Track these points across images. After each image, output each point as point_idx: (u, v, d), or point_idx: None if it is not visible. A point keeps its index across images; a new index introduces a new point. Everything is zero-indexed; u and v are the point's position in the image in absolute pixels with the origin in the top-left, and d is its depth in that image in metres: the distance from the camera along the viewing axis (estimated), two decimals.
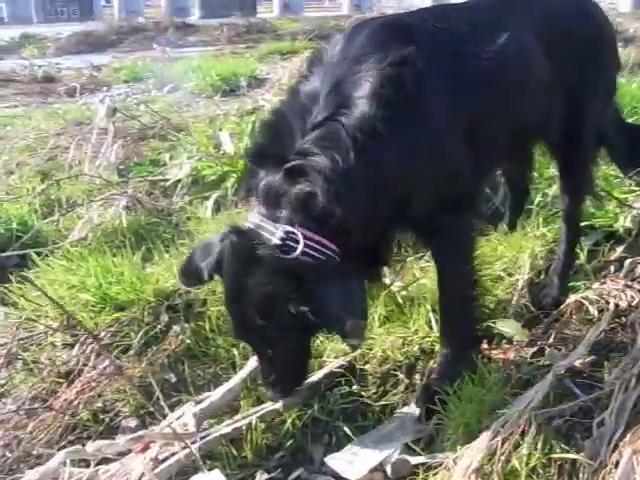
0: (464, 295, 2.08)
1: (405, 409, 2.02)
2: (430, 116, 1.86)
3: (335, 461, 1.89)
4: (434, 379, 2.02)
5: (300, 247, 1.67)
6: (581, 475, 1.58)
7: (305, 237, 1.69)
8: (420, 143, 1.84)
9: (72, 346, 2.32)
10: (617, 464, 1.58)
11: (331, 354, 2.18)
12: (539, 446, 1.65)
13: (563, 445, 1.69)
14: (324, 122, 1.75)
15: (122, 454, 1.73)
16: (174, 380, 2.17)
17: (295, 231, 1.69)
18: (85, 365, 2.20)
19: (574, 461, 1.63)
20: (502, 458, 1.61)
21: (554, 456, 1.63)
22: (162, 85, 7.40)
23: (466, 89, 1.94)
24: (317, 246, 1.70)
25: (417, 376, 2.11)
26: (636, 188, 3.32)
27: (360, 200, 1.75)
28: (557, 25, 2.23)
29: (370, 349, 2.17)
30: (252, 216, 1.78)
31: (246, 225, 1.78)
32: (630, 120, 4.15)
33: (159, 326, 2.33)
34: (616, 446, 1.64)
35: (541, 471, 1.62)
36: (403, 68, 1.79)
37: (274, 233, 1.69)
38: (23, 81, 8.31)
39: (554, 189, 3.05)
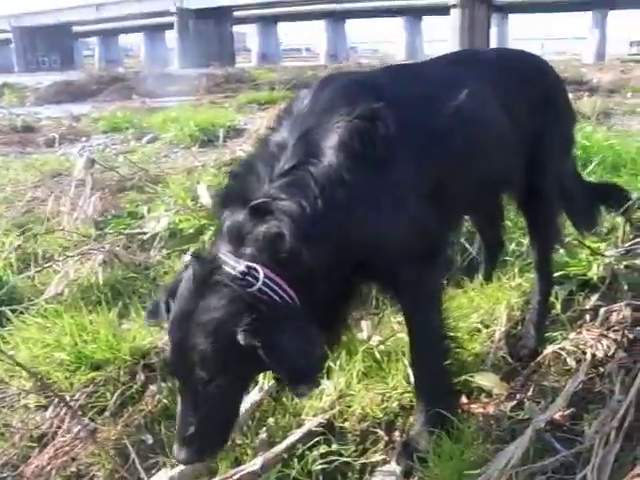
0: (434, 349, 2.07)
1: (385, 467, 1.99)
2: (396, 170, 1.89)
3: None
4: (412, 436, 2.00)
5: (259, 284, 1.64)
6: None
7: (266, 276, 1.66)
8: (386, 196, 1.86)
9: (46, 408, 2.27)
10: None
11: (310, 412, 2.15)
12: None
13: None
14: (292, 170, 1.78)
15: None
16: (151, 441, 2.12)
17: (257, 267, 1.66)
18: (59, 428, 2.15)
19: None
20: None
21: None
22: (141, 135, 7.47)
23: (431, 144, 1.97)
24: (276, 287, 1.68)
25: (397, 433, 2.09)
26: (608, 237, 3.41)
27: (325, 248, 1.75)
28: (512, 82, 2.30)
29: (349, 406, 2.15)
30: (215, 249, 1.77)
31: (209, 255, 1.76)
32: (597, 170, 4.30)
33: (135, 386, 2.30)
34: None
35: None
36: (372, 122, 1.82)
37: (235, 267, 1.67)
38: (2, 130, 8.34)
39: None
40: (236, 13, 25.07)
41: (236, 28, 23.88)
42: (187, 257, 1.82)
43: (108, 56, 20.50)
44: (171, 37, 21.63)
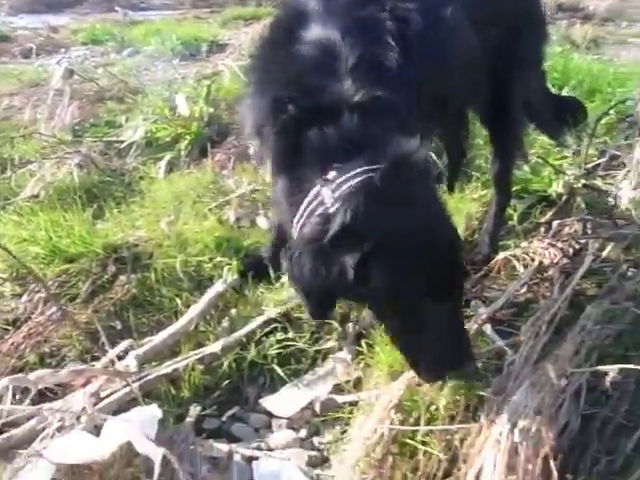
0: None
1: (338, 354, 2.16)
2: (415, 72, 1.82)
3: (268, 402, 2.03)
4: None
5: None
6: (487, 407, 1.73)
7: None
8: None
9: (20, 296, 2.40)
10: None
11: (270, 304, 2.30)
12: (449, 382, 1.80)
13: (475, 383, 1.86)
14: (360, 61, 1.65)
15: (63, 386, 1.84)
16: (119, 327, 2.27)
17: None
18: (33, 313, 2.29)
19: (481, 397, 1.79)
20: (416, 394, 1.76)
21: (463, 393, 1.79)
22: (122, 48, 7.34)
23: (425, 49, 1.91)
24: None
25: (350, 324, 2.24)
26: (570, 155, 3.52)
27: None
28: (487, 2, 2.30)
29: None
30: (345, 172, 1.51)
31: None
32: (576, 92, 4.37)
33: (106, 276, 2.43)
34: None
35: (452, 406, 1.77)
36: (406, 12, 1.80)
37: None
38: None
39: None
40: None
41: None
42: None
43: None
44: None
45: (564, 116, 3.03)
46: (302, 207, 1.56)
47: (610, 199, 2.59)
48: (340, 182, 1.48)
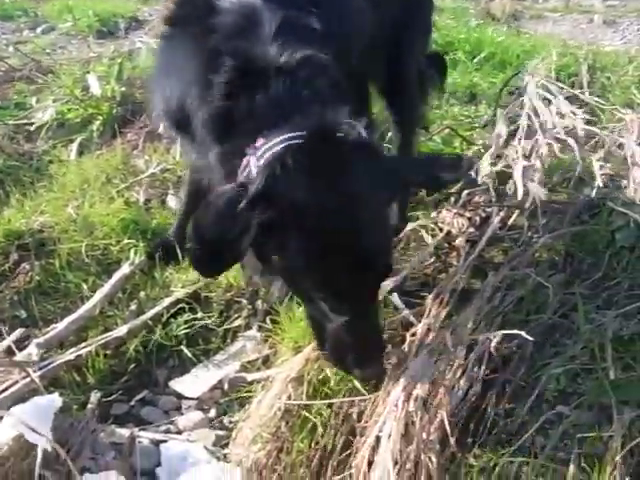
0: None
1: (247, 333, 2.17)
2: None
3: (178, 383, 2.03)
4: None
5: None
6: (386, 378, 1.77)
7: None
8: None
9: None
10: None
11: (178, 284, 2.29)
12: None
13: None
14: (284, 26, 1.59)
15: None
16: (24, 316, 2.21)
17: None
18: None
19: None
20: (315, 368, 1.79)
21: None
22: (35, 25, 7.05)
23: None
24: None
25: (259, 302, 2.25)
26: (483, 128, 3.60)
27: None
28: None
29: (215, 278, 2.29)
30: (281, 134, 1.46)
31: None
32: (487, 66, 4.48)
33: (8, 265, 2.36)
34: None
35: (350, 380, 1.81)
36: None
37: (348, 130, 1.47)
38: None
39: None
40: None
41: None
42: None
43: None
44: None
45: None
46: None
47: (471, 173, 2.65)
48: (264, 150, 1.45)
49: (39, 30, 6.83)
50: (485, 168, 2.40)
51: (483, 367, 1.88)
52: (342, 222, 1.39)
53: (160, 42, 1.98)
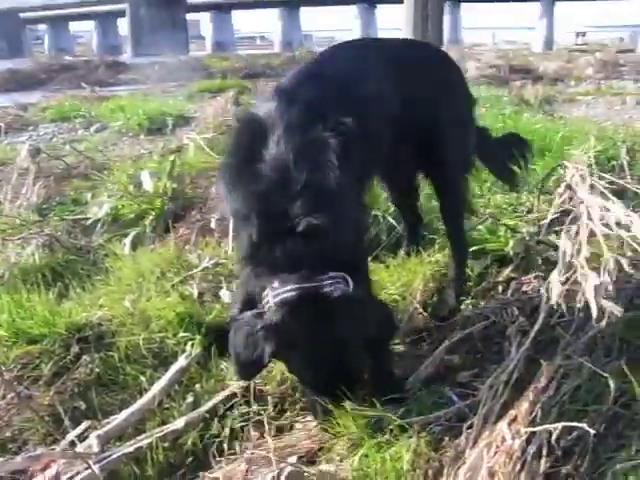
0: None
1: (300, 426, 2.17)
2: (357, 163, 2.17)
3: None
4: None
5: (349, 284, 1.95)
6: (445, 472, 1.76)
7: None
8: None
9: None
10: None
11: (233, 377, 2.32)
12: (409, 449, 1.83)
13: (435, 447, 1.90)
14: (306, 188, 1.97)
15: (22, 473, 1.82)
16: (83, 408, 2.26)
17: (339, 274, 1.95)
18: None
19: (441, 461, 1.82)
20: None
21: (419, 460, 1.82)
22: (89, 124, 7.46)
23: (367, 133, 2.20)
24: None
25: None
26: (526, 216, 3.65)
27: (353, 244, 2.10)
28: (413, 69, 2.56)
29: (270, 371, 2.32)
30: (280, 284, 1.93)
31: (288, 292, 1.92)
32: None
33: (69, 357, 2.43)
34: None
35: (411, 472, 1.80)
36: (345, 135, 2.08)
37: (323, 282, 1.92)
38: None
39: None
40: (190, 0, 24.89)
41: (190, 16, 23.71)
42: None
43: (58, 44, 20.11)
44: (123, 25, 21.37)
45: (506, 150, 3.20)
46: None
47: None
48: (278, 292, 1.91)
49: (92, 129, 7.24)
50: (557, 287, 2.43)
51: (543, 460, 1.85)
52: (323, 354, 1.91)
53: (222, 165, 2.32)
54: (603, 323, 2.22)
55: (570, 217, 2.96)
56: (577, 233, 2.70)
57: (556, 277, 2.48)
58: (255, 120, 2.15)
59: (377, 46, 2.70)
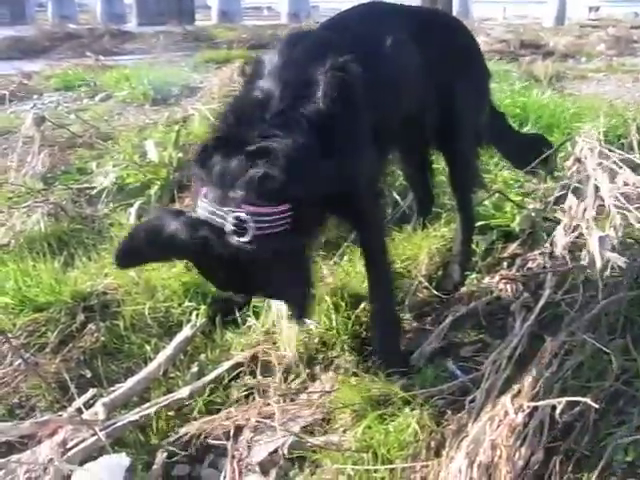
0: (389, 278, 2.36)
1: (303, 396, 2.19)
2: (362, 114, 2.12)
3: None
4: (383, 357, 2.23)
5: (251, 228, 1.76)
6: (447, 445, 1.78)
7: (255, 214, 1.78)
8: (358, 137, 2.10)
9: None
10: None
11: (238, 347, 2.34)
12: (412, 421, 1.85)
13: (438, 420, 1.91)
14: (284, 112, 1.93)
15: (30, 438, 1.85)
16: (89, 376, 2.28)
17: (243, 215, 1.76)
18: (0, 364, 2.29)
19: (444, 435, 1.84)
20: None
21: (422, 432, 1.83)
22: (94, 94, 7.41)
23: (379, 92, 2.18)
24: (268, 218, 1.81)
25: (317, 367, 2.29)
26: (531, 192, 3.63)
27: (315, 182, 1.92)
28: (431, 37, 2.53)
29: (274, 342, 2.34)
30: (204, 202, 1.83)
31: (199, 214, 1.83)
32: (535, 127, 4.53)
33: (75, 325, 2.45)
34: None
35: (414, 444, 1.82)
36: (344, 72, 2.04)
37: (225, 219, 1.77)
38: None
39: None
40: None
41: None
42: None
43: (62, 11, 19.80)
44: None
45: (531, 150, 3.21)
46: None
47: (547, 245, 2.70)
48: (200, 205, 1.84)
49: (97, 98, 7.19)
50: (561, 239, 2.42)
51: (545, 434, 1.86)
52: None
53: None
54: (607, 272, 2.21)
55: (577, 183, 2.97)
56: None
57: (561, 230, 2.48)
58: (260, 60, 2.14)
59: (391, 10, 2.65)
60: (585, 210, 2.57)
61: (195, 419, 2.08)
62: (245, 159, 1.85)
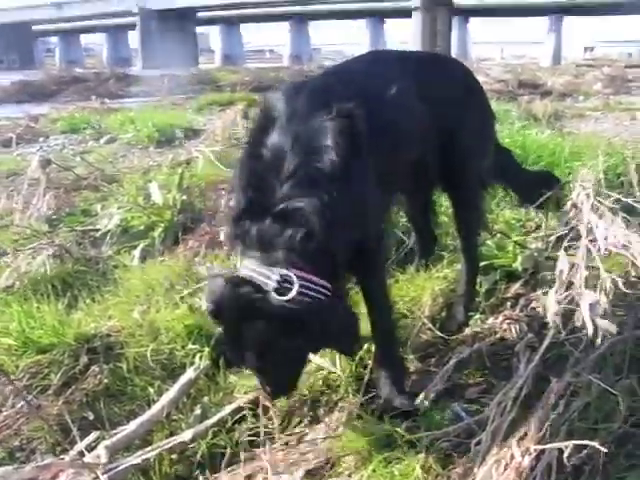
0: (391, 320, 2.36)
1: (309, 439, 2.17)
2: (367, 159, 2.13)
3: None
4: (388, 399, 2.21)
5: (295, 288, 1.82)
6: None
7: (300, 277, 1.85)
8: (367, 183, 2.13)
9: None
10: None
11: (241, 390, 2.33)
12: (417, 465, 1.83)
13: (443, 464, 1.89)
14: (298, 170, 1.95)
15: None
16: (91, 418, 2.27)
17: (290, 274, 1.84)
18: (3, 406, 2.28)
19: (449, 477, 1.82)
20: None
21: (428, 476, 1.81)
22: (99, 136, 7.52)
23: (382, 136, 2.20)
24: (312, 285, 1.87)
25: (321, 410, 2.27)
26: (535, 232, 3.65)
27: (344, 233, 1.98)
28: (436, 84, 2.56)
29: None
30: (246, 262, 1.92)
31: (242, 272, 1.90)
32: (535, 167, 4.56)
33: (78, 367, 2.44)
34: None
35: None
36: (350, 119, 2.05)
37: (270, 277, 1.84)
38: None
39: None
40: (199, 14, 25.08)
41: (199, 29, 23.97)
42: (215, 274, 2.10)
43: (69, 56, 20.34)
44: (134, 38, 21.54)
45: (540, 186, 3.22)
46: None
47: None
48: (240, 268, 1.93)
49: (102, 140, 7.30)
50: (552, 306, 2.43)
51: (553, 478, 1.83)
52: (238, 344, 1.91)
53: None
54: (599, 341, 2.22)
55: (572, 236, 2.98)
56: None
57: (553, 296, 2.48)
58: (266, 109, 2.15)
59: (393, 56, 2.70)
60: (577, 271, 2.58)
61: (199, 464, 2.05)
62: (274, 222, 1.90)
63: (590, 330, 2.23)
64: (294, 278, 1.83)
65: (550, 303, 2.47)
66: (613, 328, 2.20)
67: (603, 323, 2.24)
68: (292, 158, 1.96)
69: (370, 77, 2.46)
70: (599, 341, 2.21)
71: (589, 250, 2.62)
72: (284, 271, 1.84)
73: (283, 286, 1.82)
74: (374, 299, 2.31)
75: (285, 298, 1.81)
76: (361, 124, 2.08)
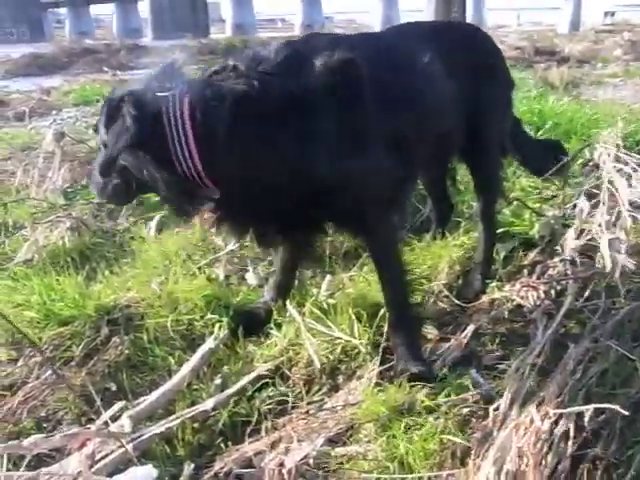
0: (401, 284, 2.35)
1: (327, 407, 2.19)
2: (363, 114, 2.10)
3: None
4: (403, 364, 2.23)
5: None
6: (473, 453, 1.77)
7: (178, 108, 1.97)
8: (351, 135, 2.07)
9: (16, 361, 2.44)
10: None
11: (261, 359, 2.35)
12: (437, 430, 1.85)
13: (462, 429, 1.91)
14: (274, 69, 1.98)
15: (60, 450, 1.87)
16: (114, 388, 2.30)
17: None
18: (28, 377, 2.33)
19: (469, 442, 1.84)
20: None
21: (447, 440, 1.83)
22: None
23: (395, 102, 2.21)
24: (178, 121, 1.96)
25: (340, 378, 2.29)
26: (552, 199, 3.63)
27: (251, 142, 2.00)
28: (455, 50, 2.54)
29: (297, 353, 2.35)
30: None
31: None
32: (552, 135, 4.51)
33: (99, 338, 2.48)
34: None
35: (439, 453, 1.82)
36: (349, 64, 2.05)
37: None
38: None
39: None
40: None
41: None
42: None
43: (79, 27, 20.11)
44: (144, 8, 21.35)
45: (547, 156, 3.19)
46: None
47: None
48: None
49: None
50: (571, 242, 2.43)
51: (570, 442, 1.85)
52: None
53: None
54: (617, 274, 2.20)
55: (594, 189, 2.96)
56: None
57: (572, 234, 2.49)
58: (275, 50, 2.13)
59: (415, 29, 2.66)
60: (597, 214, 2.57)
61: (221, 432, 2.08)
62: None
63: (608, 266, 2.23)
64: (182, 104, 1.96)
65: (569, 240, 2.48)
66: (630, 263, 2.20)
67: (621, 257, 2.24)
68: (272, 65, 2.00)
69: (388, 43, 2.45)
70: (617, 276, 2.18)
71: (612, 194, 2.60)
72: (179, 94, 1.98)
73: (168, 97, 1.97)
74: (378, 266, 2.32)
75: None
76: (360, 73, 2.06)
